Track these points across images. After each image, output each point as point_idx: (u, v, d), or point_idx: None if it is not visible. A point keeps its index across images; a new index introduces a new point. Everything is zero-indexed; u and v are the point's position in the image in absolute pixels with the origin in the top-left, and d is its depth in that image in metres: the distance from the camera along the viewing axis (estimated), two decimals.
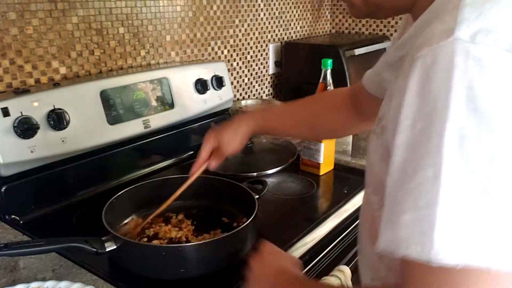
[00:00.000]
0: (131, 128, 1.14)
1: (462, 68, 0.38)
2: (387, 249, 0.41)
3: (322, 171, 1.22)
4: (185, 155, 1.33)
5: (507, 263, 0.38)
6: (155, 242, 0.87)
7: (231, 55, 1.65)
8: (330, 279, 0.89)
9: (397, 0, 0.56)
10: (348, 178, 1.23)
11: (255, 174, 1.19)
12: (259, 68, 1.80)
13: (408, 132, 0.41)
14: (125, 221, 0.94)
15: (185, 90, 1.29)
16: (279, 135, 0.96)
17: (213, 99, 1.36)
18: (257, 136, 1.40)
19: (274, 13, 1.80)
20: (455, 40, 0.39)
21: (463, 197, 0.38)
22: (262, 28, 1.76)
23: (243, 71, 1.72)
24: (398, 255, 0.41)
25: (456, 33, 0.40)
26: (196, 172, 0.89)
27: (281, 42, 1.87)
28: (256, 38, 1.75)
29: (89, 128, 1.05)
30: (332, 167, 1.25)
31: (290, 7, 1.89)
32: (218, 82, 1.36)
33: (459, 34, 0.39)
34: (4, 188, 0.95)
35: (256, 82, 1.80)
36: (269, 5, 1.77)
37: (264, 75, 1.84)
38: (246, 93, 1.76)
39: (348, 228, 1.03)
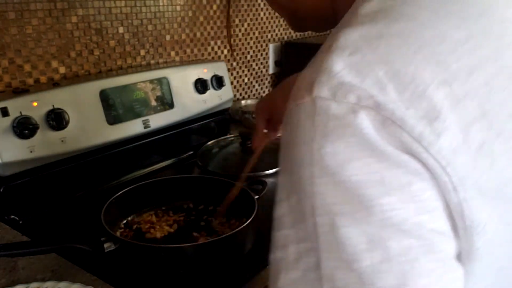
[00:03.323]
0: (131, 128, 1.14)
1: (322, 130, 0.34)
2: None
3: None
4: (185, 155, 1.33)
5: None
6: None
7: (231, 55, 1.65)
8: None
9: (315, 12, 0.51)
10: None
11: (255, 174, 1.18)
12: (259, 68, 1.80)
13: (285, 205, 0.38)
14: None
15: (185, 90, 1.28)
16: None
17: (213, 99, 1.36)
18: None
19: (274, 13, 1.80)
20: (316, 98, 0.34)
21: None
22: (262, 28, 1.76)
23: (243, 71, 1.72)
24: None
25: (316, 89, 0.35)
26: (261, 147, 0.88)
27: (281, 42, 1.86)
28: (256, 38, 1.74)
29: (88, 128, 1.05)
30: None
31: None
32: (218, 82, 1.36)
33: (319, 91, 0.34)
34: (3, 188, 0.95)
35: (256, 82, 1.80)
36: None
37: (264, 75, 1.83)
38: (246, 93, 1.76)
39: None
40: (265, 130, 0.88)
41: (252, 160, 0.90)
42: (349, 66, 0.34)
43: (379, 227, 0.33)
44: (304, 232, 0.35)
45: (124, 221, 0.93)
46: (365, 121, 0.33)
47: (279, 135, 0.87)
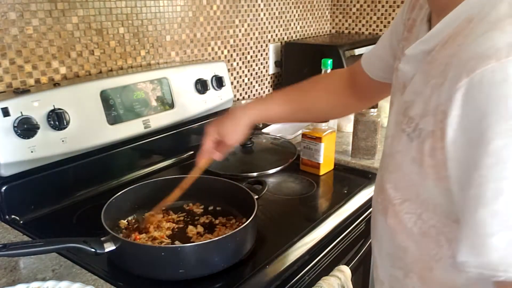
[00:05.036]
0: (131, 128, 1.14)
1: None
2: (481, 275, 0.43)
3: (322, 171, 1.22)
4: (185, 155, 1.33)
5: None
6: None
7: (231, 55, 1.65)
8: (330, 279, 0.89)
9: None
10: (348, 178, 1.23)
11: (255, 174, 1.19)
12: (259, 68, 1.80)
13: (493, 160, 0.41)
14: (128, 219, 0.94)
15: (185, 90, 1.29)
16: (278, 122, 0.96)
17: (213, 99, 1.36)
18: (257, 136, 1.40)
19: (274, 13, 1.80)
20: None
21: None
22: (262, 28, 1.76)
23: (243, 71, 1.72)
24: (499, 279, 0.42)
25: None
26: (203, 162, 0.88)
27: (281, 42, 1.86)
28: (256, 38, 1.75)
29: (89, 128, 1.05)
30: (332, 167, 1.25)
31: (290, 7, 1.89)
32: (218, 82, 1.36)
33: None
34: (4, 188, 0.95)
35: (256, 82, 1.80)
36: (269, 5, 1.77)
37: (264, 75, 1.84)
38: (246, 93, 1.76)
39: (348, 228, 1.02)
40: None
41: (193, 173, 0.89)
42: None
43: None
44: None
45: (124, 221, 0.94)
46: None
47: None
